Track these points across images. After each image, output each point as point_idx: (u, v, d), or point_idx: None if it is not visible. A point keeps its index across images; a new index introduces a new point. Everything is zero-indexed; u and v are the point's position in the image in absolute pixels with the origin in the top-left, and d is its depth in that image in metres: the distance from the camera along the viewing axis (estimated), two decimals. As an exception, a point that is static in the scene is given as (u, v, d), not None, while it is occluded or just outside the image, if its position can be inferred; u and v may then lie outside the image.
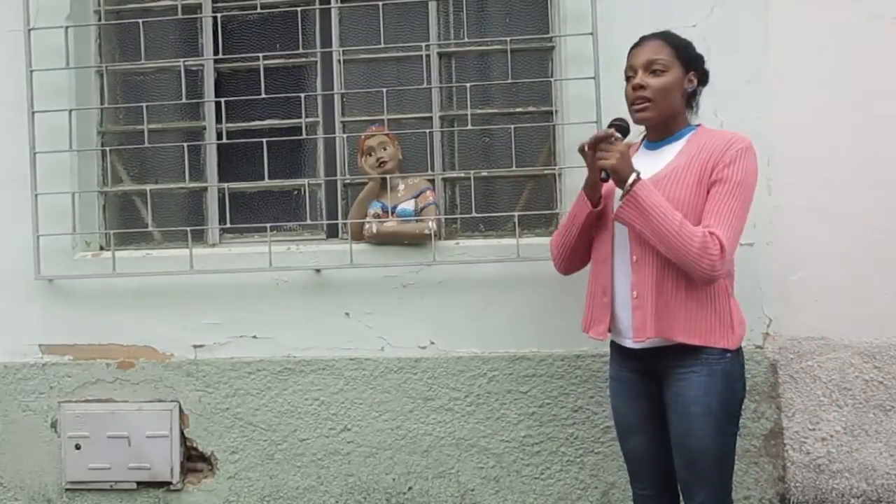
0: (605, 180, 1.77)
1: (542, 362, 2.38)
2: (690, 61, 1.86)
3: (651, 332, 1.76)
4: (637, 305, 1.79)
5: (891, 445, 2.29)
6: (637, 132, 1.91)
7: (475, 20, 2.62)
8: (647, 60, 1.81)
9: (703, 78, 1.90)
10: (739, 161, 1.74)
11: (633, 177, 1.72)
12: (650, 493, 1.94)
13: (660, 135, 1.87)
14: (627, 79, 1.86)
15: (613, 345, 1.95)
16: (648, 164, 1.84)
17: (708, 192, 1.75)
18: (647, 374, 1.86)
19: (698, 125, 1.89)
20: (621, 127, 1.79)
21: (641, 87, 1.80)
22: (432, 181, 2.53)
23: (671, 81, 1.82)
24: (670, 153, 1.85)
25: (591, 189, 1.83)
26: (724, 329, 1.78)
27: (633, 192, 1.70)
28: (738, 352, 1.81)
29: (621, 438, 1.97)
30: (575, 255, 1.97)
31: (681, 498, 1.90)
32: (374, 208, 2.48)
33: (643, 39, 1.87)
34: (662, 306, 1.77)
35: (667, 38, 1.86)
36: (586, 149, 1.78)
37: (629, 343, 1.84)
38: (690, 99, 1.90)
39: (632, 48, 1.88)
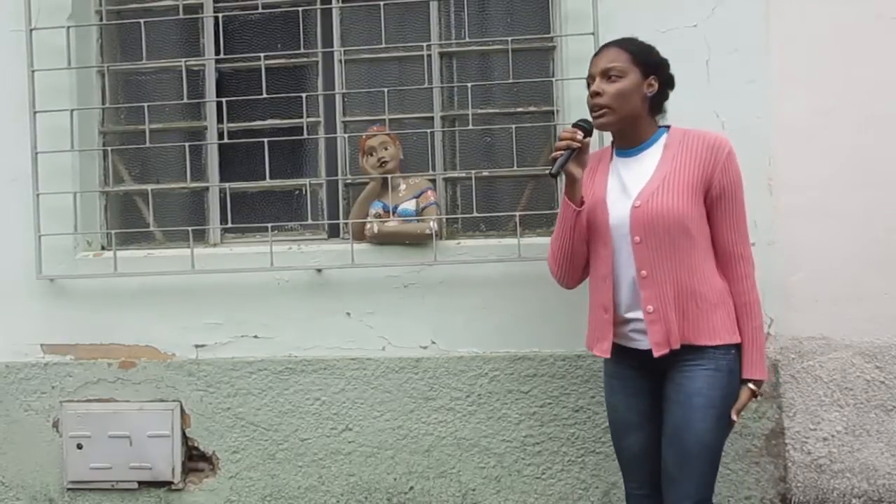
0: (554, 176, 1.79)
1: (543, 362, 2.38)
2: (649, 66, 1.86)
3: (676, 344, 1.78)
4: (654, 319, 1.79)
5: (892, 445, 2.29)
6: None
7: (476, 20, 2.62)
8: (603, 68, 1.85)
9: (668, 82, 1.91)
10: (731, 166, 1.82)
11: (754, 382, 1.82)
12: (644, 492, 1.94)
13: (631, 141, 1.89)
14: (588, 87, 1.90)
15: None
16: (629, 172, 1.86)
17: (705, 198, 1.81)
18: (649, 371, 1.86)
19: (668, 126, 1.91)
20: (583, 127, 1.83)
21: (598, 94, 1.83)
22: (433, 181, 2.53)
23: (627, 87, 1.83)
24: (651, 160, 1.86)
25: (570, 188, 1.84)
26: (732, 325, 1.82)
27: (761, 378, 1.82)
28: (738, 348, 1.83)
29: (618, 436, 1.96)
30: (576, 264, 1.93)
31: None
32: (376, 208, 2.48)
33: (603, 48, 1.91)
34: (682, 316, 1.78)
35: (624, 44, 1.88)
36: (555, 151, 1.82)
37: (637, 345, 1.84)
38: (655, 103, 1.89)
39: (592, 57, 1.91)
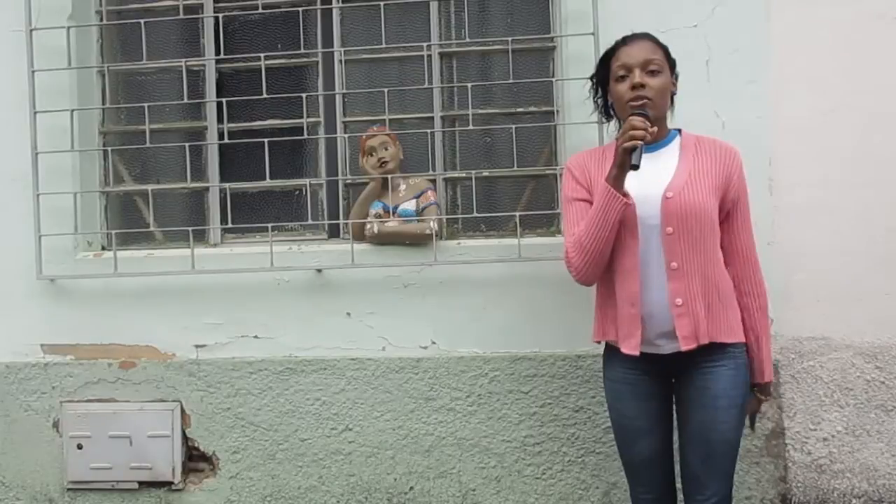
0: (636, 168, 1.70)
1: (543, 362, 2.38)
2: (672, 65, 1.89)
3: (704, 339, 1.77)
4: (682, 313, 1.77)
5: (892, 446, 2.29)
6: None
7: (476, 20, 2.62)
8: (644, 60, 1.80)
9: (676, 82, 1.93)
10: (742, 173, 1.88)
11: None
12: (654, 496, 1.92)
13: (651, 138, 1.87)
14: (619, 78, 1.83)
15: (614, 349, 1.89)
16: (648, 168, 1.81)
17: (722, 203, 1.83)
18: (658, 374, 1.86)
19: (679, 129, 1.92)
20: (649, 118, 1.74)
21: (642, 85, 1.79)
22: (433, 181, 2.53)
23: (666, 82, 1.84)
24: (669, 157, 1.86)
25: (619, 179, 1.74)
26: (740, 322, 1.85)
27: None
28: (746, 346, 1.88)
29: (627, 442, 1.92)
30: (603, 258, 1.82)
31: (683, 496, 1.89)
32: (376, 208, 2.48)
33: (631, 39, 1.86)
34: (708, 310, 1.78)
35: (655, 39, 1.87)
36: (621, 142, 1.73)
37: (659, 350, 1.81)
38: (671, 103, 1.92)
39: (618, 47, 1.87)
